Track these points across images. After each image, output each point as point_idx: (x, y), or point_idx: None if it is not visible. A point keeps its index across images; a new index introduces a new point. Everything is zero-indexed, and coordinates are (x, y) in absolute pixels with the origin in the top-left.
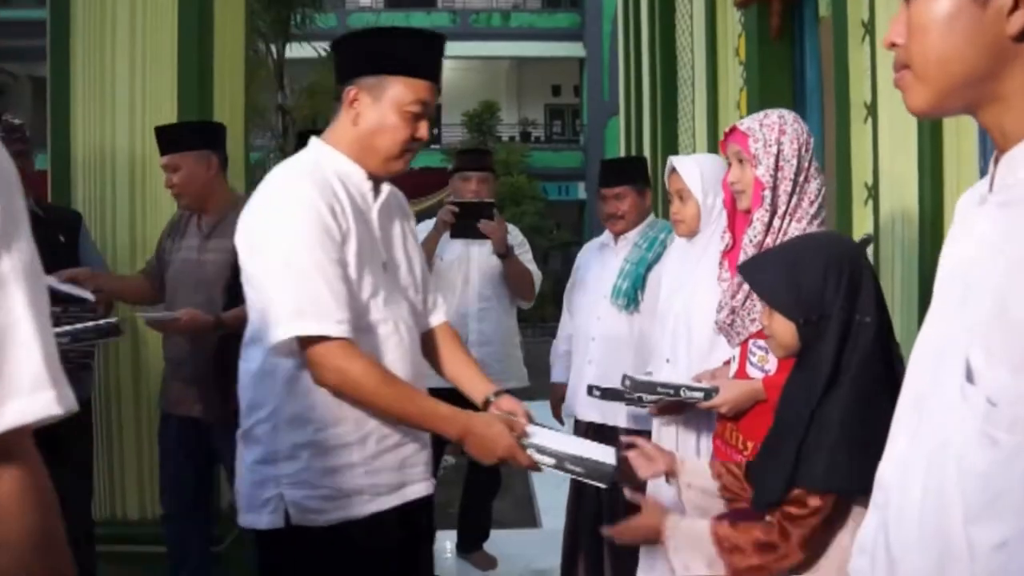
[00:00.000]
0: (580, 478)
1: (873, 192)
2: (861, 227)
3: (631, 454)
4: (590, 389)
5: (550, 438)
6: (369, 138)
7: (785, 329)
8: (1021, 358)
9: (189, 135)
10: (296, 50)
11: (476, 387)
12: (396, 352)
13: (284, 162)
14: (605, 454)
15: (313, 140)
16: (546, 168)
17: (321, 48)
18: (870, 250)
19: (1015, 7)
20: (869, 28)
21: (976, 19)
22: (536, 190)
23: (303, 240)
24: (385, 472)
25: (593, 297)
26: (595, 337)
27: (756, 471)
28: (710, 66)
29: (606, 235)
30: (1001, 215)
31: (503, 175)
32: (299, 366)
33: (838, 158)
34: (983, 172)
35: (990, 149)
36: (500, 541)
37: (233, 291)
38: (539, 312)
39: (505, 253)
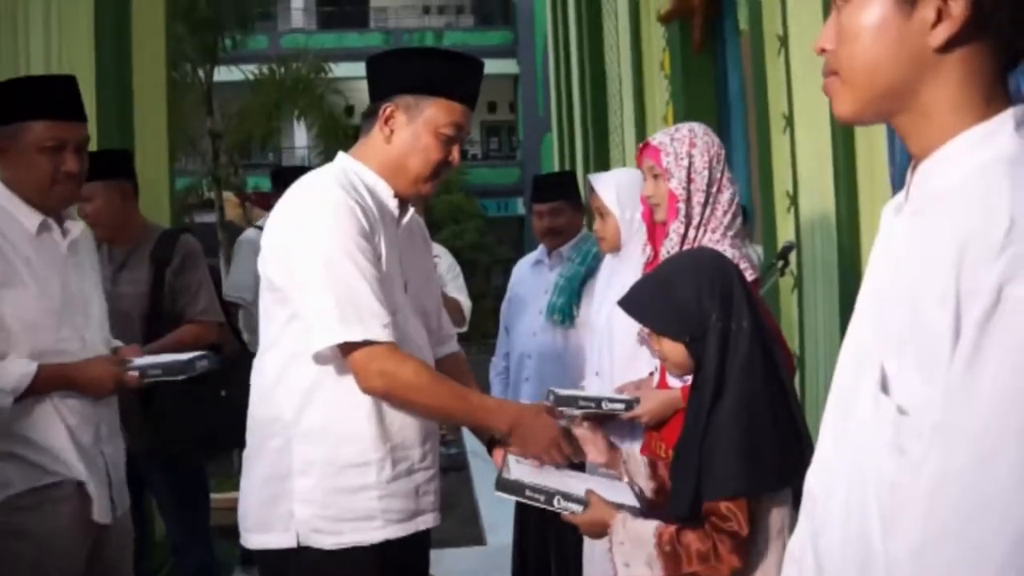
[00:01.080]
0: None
1: (794, 200)
2: (784, 234)
3: (581, 432)
4: None
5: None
6: (401, 157)
7: (675, 350)
8: (930, 365)
9: (99, 164)
10: (227, 73)
11: None
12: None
13: (308, 173)
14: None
15: (340, 155)
16: (484, 185)
17: (249, 71)
18: (793, 256)
19: (937, 20)
20: (784, 42)
21: (902, 30)
22: (475, 207)
23: (341, 242)
24: (399, 498)
25: (529, 314)
26: (531, 355)
27: (671, 482)
28: (636, 81)
29: (540, 251)
30: (914, 223)
31: (442, 194)
32: (317, 376)
33: (760, 167)
34: (893, 180)
35: (899, 158)
36: (445, 559)
37: (152, 323)
38: (481, 329)
39: None
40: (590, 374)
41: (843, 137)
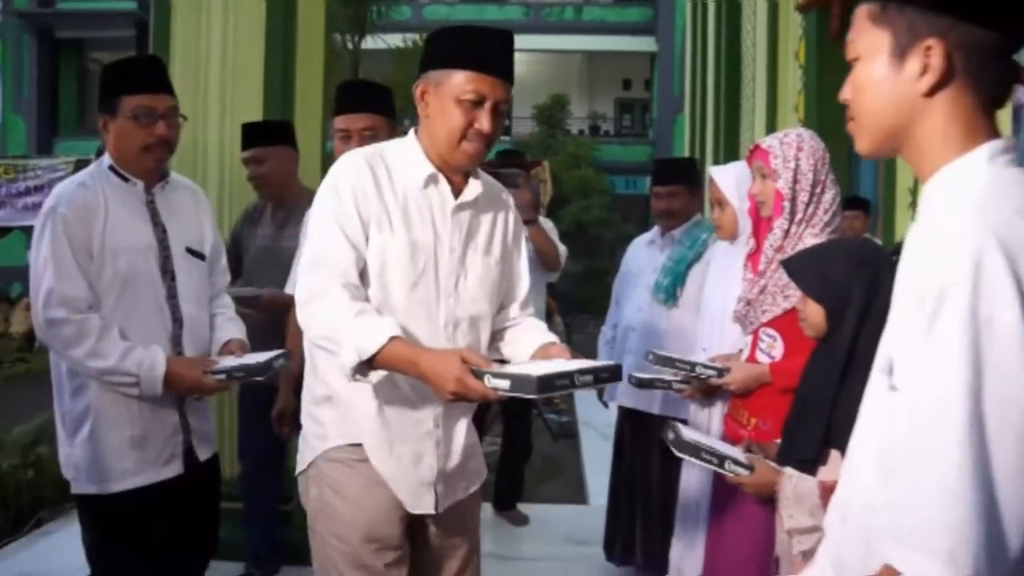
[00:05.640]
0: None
1: (915, 196)
2: (903, 229)
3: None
4: (629, 377)
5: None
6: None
7: (816, 313)
8: (904, 361)
9: (277, 131)
10: (375, 42)
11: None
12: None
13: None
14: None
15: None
16: (614, 162)
17: (395, 42)
18: None
19: (923, 72)
20: None
21: (896, 81)
22: (604, 183)
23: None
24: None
25: (638, 290)
26: (635, 328)
27: (784, 437)
28: (771, 67)
29: (655, 231)
30: (913, 241)
31: (571, 168)
32: None
33: (885, 162)
34: None
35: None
36: (548, 514)
37: None
38: (602, 303)
39: (530, 219)
40: (697, 349)
41: None
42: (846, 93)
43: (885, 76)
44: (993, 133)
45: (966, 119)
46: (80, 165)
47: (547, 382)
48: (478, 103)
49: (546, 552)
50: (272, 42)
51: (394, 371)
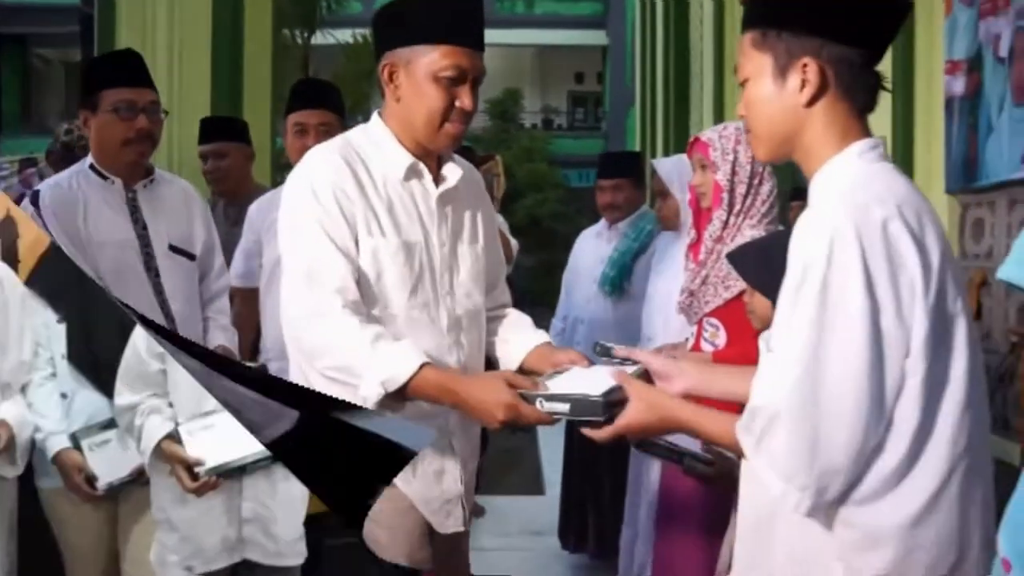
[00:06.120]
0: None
1: None
2: None
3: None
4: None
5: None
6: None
7: (763, 305)
8: (777, 330)
9: (236, 127)
10: (325, 38)
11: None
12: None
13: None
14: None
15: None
16: (568, 155)
17: (345, 38)
18: None
19: (803, 86)
20: None
21: (781, 95)
22: (558, 177)
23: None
24: None
25: (586, 282)
26: (584, 320)
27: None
28: (718, 61)
29: (601, 224)
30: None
31: (525, 162)
32: None
33: None
34: (948, 173)
35: (955, 153)
36: (505, 506)
37: None
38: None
39: None
40: (643, 338)
41: (903, 128)
42: (741, 110)
43: (772, 92)
44: (864, 133)
45: (841, 123)
46: (25, 164)
47: (610, 402)
48: (458, 79)
49: (502, 543)
50: (219, 38)
51: (425, 401)
